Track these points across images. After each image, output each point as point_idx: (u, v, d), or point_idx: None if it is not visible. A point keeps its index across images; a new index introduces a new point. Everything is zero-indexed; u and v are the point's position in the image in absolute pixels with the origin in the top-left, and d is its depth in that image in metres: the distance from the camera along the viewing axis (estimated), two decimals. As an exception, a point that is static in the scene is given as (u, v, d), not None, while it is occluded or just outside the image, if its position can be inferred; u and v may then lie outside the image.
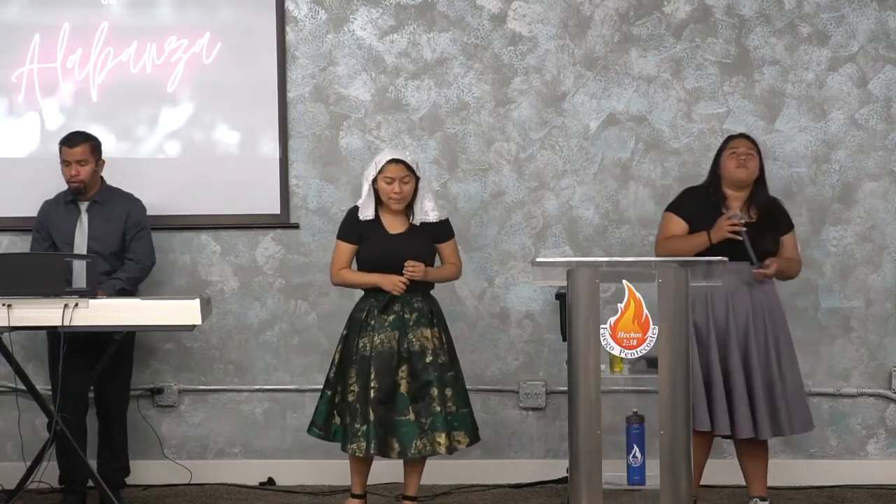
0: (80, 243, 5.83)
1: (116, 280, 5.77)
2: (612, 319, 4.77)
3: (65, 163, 5.84)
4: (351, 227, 5.48)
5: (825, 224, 6.28)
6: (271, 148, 6.30)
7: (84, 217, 5.87)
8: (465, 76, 6.31)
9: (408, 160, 5.41)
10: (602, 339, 4.77)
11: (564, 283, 4.85)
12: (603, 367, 4.87)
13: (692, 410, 4.87)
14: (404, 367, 5.33)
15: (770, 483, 5.69)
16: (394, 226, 5.45)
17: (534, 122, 6.31)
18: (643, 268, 4.95)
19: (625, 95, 6.29)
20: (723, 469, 5.85)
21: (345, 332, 5.49)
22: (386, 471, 5.82)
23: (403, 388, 5.32)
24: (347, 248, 5.48)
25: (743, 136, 5.70)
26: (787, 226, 5.65)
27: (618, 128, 6.30)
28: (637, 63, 6.29)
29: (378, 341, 5.34)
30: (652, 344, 4.77)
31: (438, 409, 5.31)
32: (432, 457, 5.45)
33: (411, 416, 5.31)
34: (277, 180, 6.30)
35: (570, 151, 6.31)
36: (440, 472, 6.05)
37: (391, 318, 5.37)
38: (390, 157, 5.40)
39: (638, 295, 4.77)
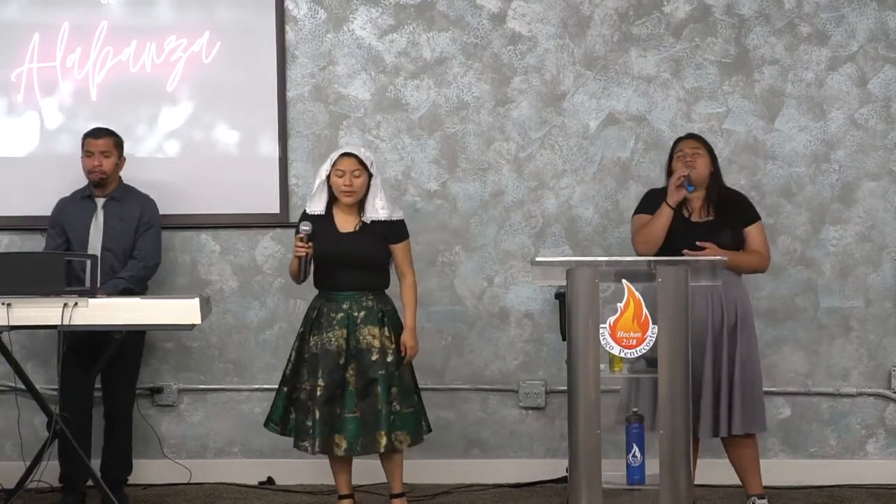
0: (95, 240, 5.85)
1: (119, 280, 5.77)
2: (612, 319, 4.77)
3: (87, 153, 5.87)
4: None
5: (825, 224, 6.28)
6: (271, 147, 6.30)
7: (100, 214, 5.89)
8: (465, 76, 6.31)
9: (361, 155, 5.43)
10: (602, 338, 4.76)
11: (564, 283, 4.85)
12: (603, 366, 4.87)
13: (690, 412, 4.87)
14: (352, 365, 5.36)
15: (770, 483, 5.69)
16: (345, 224, 5.46)
17: (533, 121, 6.31)
18: (643, 267, 4.95)
19: (624, 95, 6.29)
20: (722, 469, 5.85)
21: (301, 329, 5.52)
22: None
23: (352, 385, 5.35)
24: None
25: (691, 136, 5.70)
26: (749, 219, 5.60)
27: (617, 127, 6.30)
28: (637, 63, 6.29)
29: (326, 339, 5.37)
30: (651, 343, 4.77)
31: (380, 407, 5.32)
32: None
33: (358, 414, 5.33)
34: (277, 180, 6.30)
35: (569, 151, 6.31)
36: (440, 472, 6.05)
37: (339, 315, 5.39)
38: (343, 151, 5.45)
39: (637, 295, 4.77)
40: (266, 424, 5.54)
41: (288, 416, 5.48)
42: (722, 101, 6.28)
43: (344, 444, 5.34)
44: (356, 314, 5.39)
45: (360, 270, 5.40)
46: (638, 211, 5.66)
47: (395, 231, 5.48)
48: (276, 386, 6.31)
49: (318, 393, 5.34)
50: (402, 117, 6.32)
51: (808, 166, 6.28)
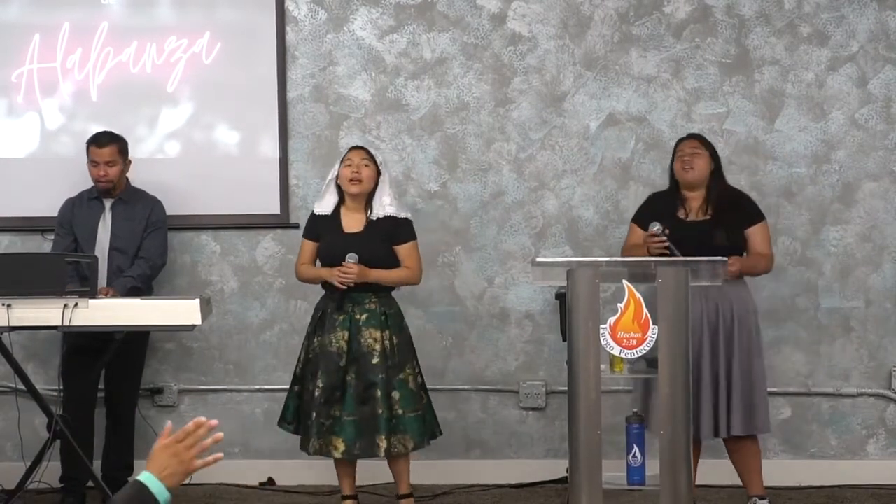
0: (104, 241, 5.86)
1: (128, 278, 5.78)
2: (612, 319, 4.77)
3: (93, 163, 5.86)
4: (310, 225, 5.60)
5: (825, 224, 6.27)
6: (271, 148, 6.30)
7: (108, 215, 5.90)
8: (465, 76, 6.31)
9: (371, 150, 5.53)
10: (602, 339, 4.77)
11: (564, 283, 4.85)
12: (603, 367, 4.87)
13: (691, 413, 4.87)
14: (353, 368, 5.36)
15: (770, 483, 5.70)
16: (351, 224, 5.48)
17: (534, 122, 6.31)
18: (643, 268, 4.95)
19: (625, 95, 6.29)
20: (723, 469, 5.85)
21: (309, 329, 5.54)
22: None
23: (352, 388, 5.35)
24: (308, 245, 5.59)
25: (691, 136, 5.70)
26: (752, 219, 5.58)
27: (618, 128, 6.30)
28: (637, 63, 6.28)
29: (328, 341, 5.38)
30: (652, 344, 4.77)
31: (380, 411, 5.32)
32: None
33: (356, 417, 5.33)
34: (277, 180, 6.30)
35: (569, 151, 6.31)
36: (440, 472, 6.05)
37: (342, 318, 5.40)
38: (352, 146, 5.55)
39: (638, 295, 4.77)
40: (280, 423, 5.57)
41: (299, 414, 5.50)
42: (722, 102, 6.28)
43: (342, 447, 5.35)
44: (358, 316, 5.39)
45: None
46: (635, 218, 5.66)
47: (400, 231, 5.48)
48: (277, 387, 6.35)
49: (316, 394, 5.35)
50: (403, 118, 6.32)
51: (809, 167, 6.28)
